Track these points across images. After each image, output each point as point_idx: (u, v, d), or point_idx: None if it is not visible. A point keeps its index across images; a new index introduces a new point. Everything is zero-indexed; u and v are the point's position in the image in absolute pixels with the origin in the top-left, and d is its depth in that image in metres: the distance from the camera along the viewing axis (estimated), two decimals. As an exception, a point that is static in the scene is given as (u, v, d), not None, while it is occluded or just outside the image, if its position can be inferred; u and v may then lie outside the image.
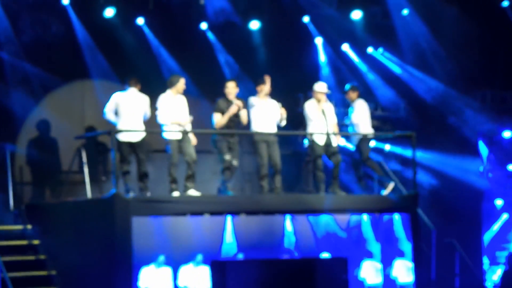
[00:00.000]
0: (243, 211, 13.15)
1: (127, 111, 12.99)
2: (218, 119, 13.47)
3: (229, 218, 13.10)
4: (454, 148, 17.79)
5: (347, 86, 15.04)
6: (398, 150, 17.63)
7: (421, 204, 14.69)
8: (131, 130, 12.98)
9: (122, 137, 12.90)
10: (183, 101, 13.40)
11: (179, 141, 13.20)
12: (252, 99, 13.93)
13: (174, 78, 13.39)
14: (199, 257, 13.20)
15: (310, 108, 14.32)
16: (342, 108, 17.50)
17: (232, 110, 13.44)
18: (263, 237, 13.27)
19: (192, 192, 13.14)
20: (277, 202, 13.51)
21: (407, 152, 16.98)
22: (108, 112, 13.06)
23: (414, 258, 14.11)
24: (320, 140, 14.19)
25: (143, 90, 13.49)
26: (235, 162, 13.62)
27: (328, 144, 14.25)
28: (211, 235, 12.95)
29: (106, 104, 13.11)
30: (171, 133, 13.10)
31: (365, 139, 14.70)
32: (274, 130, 13.85)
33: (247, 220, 13.15)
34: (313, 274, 12.82)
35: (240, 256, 13.53)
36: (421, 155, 17.04)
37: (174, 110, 13.23)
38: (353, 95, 14.93)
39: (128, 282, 12.04)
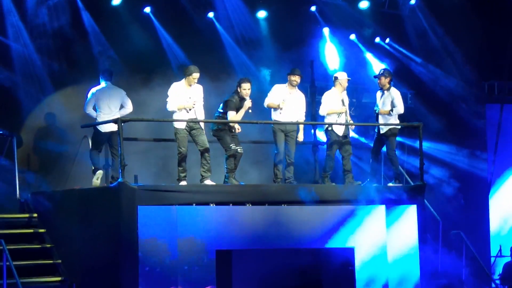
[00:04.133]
0: (249, 201, 13.13)
1: (104, 104, 13.23)
2: (233, 116, 13.43)
3: (234, 208, 13.05)
4: (461, 139, 17.74)
5: (380, 71, 14.62)
6: (405, 140, 17.58)
7: (428, 195, 14.65)
8: (136, 119, 13.02)
9: (102, 128, 13.09)
10: (197, 91, 13.30)
11: (189, 130, 13.17)
12: (279, 87, 13.90)
13: (187, 69, 13.29)
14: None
15: (332, 97, 14.26)
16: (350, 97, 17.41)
17: (246, 106, 13.44)
18: (269, 228, 13.22)
19: (208, 182, 13.11)
20: (284, 192, 13.48)
21: (414, 143, 16.95)
22: (89, 107, 13.28)
23: (421, 249, 14.08)
24: (339, 130, 14.15)
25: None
26: (240, 150, 13.57)
27: (345, 134, 14.24)
28: (217, 226, 12.89)
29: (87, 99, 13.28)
30: (179, 122, 13.09)
31: (395, 130, 14.48)
32: (296, 120, 13.93)
33: (253, 211, 13.11)
34: (319, 264, 12.79)
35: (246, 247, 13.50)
36: (428, 146, 16.98)
37: (184, 99, 13.18)
38: (385, 81, 14.47)
39: (133, 271, 12.02)
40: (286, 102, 13.90)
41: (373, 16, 17.81)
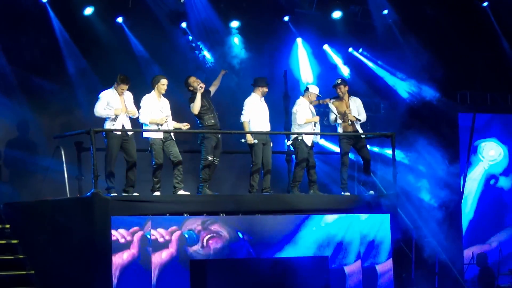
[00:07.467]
0: (223, 211, 13.11)
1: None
2: (192, 106, 13.52)
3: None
4: (434, 147, 17.83)
5: (338, 80, 14.83)
6: (377, 149, 17.66)
7: (401, 203, 14.72)
8: (108, 130, 12.90)
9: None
10: (166, 104, 13.38)
11: (164, 141, 13.16)
12: (252, 100, 13.94)
13: (154, 78, 13.38)
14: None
15: (303, 108, 14.33)
16: (322, 107, 17.47)
17: (200, 89, 13.53)
18: (244, 237, 13.21)
19: (181, 193, 13.08)
20: (258, 202, 13.49)
21: (385, 152, 17.05)
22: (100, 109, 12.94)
23: (394, 257, 14.13)
24: (308, 141, 14.23)
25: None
26: (216, 161, 13.61)
27: (312, 145, 14.33)
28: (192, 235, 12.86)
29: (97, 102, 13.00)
30: (153, 133, 13.07)
31: (362, 138, 14.69)
32: (268, 129, 14.03)
33: (228, 220, 13.09)
34: (294, 273, 12.78)
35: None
36: (401, 155, 17.06)
37: (155, 111, 13.20)
38: (345, 89, 14.70)
39: (107, 282, 11.97)
40: (261, 112, 13.93)
41: (346, 26, 17.88)
